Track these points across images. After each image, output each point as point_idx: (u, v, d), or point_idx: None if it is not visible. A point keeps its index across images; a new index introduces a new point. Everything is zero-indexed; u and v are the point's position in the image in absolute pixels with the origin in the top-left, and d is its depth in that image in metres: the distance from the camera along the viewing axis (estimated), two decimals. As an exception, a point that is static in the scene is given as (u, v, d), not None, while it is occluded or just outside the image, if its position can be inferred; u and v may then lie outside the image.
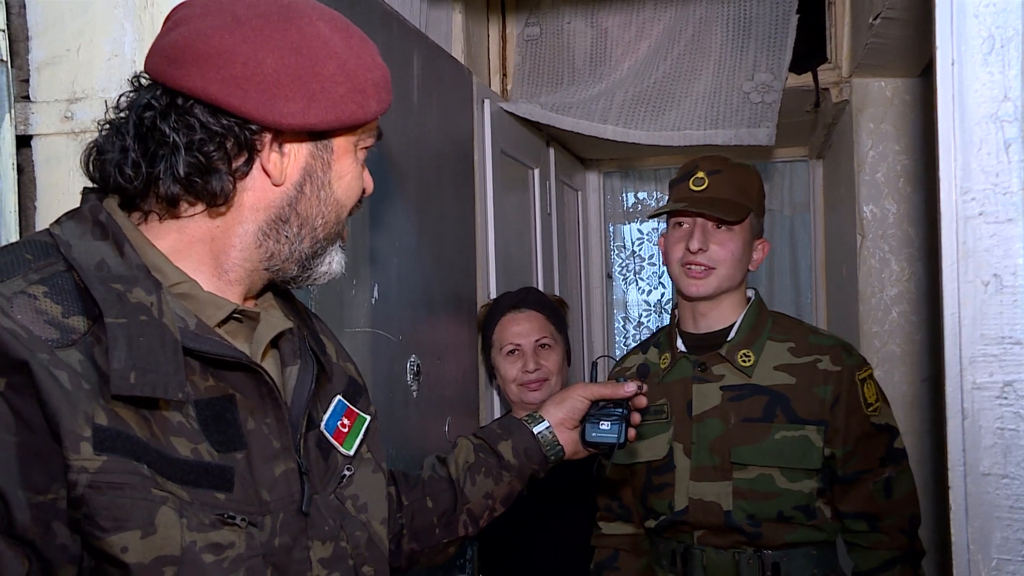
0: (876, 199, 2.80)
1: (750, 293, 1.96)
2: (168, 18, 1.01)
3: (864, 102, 2.80)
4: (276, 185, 1.00)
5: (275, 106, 0.95)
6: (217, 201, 0.97)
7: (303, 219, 1.03)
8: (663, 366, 1.96)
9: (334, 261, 1.08)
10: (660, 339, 2.04)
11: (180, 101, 0.95)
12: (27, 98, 1.51)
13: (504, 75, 3.11)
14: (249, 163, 0.98)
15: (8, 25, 1.46)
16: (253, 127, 0.96)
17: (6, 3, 1.46)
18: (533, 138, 3.15)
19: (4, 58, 1.43)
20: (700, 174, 1.89)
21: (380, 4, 1.96)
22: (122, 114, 1.00)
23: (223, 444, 0.95)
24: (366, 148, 1.08)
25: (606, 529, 2.06)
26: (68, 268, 0.91)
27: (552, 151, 3.38)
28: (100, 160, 0.99)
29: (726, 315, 1.91)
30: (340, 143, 1.04)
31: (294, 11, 0.99)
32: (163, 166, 0.95)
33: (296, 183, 1.01)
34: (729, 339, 1.89)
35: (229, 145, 0.96)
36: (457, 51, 2.70)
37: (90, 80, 1.51)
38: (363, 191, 1.10)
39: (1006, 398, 1.19)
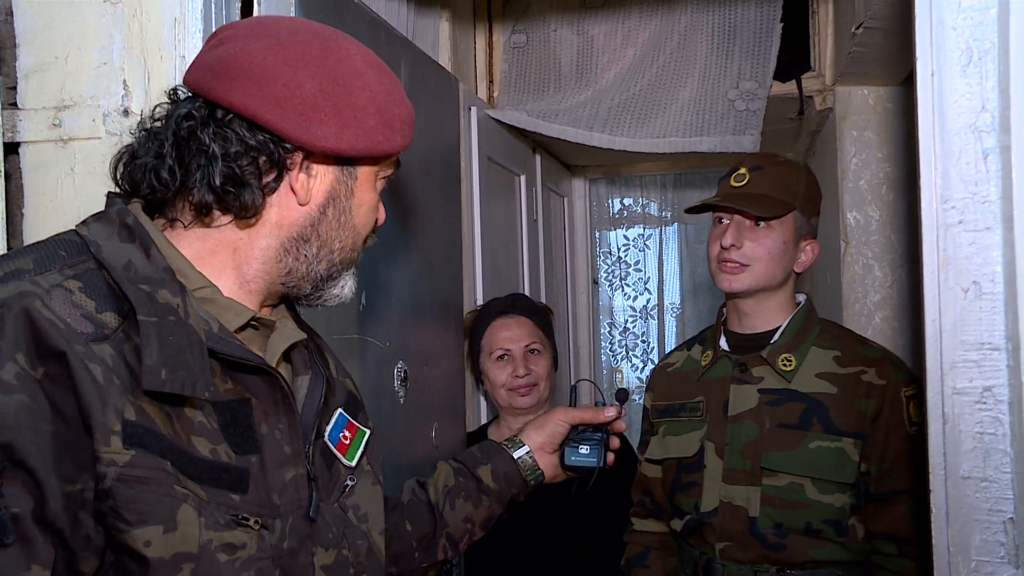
0: (859, 206, 2.83)
1: (801, 297, 1.91)
2: (213, 36, 1.05)
3: (847, 110, 2.83)
4: (301, 204, 1.04)
5: (310, 128, 0.99)
6: (247, 213, 1.01)
7: (323, 241, 1.06)
8: (704, 363, 1.93)
9: (346, 286, 1.12)
10: (706, 336, 2.01)
11: (220, 114, 0.99)
12: (15, 105, 1.51)
13: (491, 82, 3.12)
14: (278, 180, 1.02)
15: (-4, 32, 1.46)
16: (287, 146, 1.00)
17: (-6, 11, 1.46)
18: (520, 145, 3.16)
19: (-8, 65, 1.43)
20: (742, 170, 1.85)
21: (367, 12, 1.97)
22: (157, 123, 1.03)
23: (239, 446, 0.97)
24: (385, 179, 1.12)
25: (638, 526, 2.04)
26: (99, 267, 0.94)
27: (538, 158, 3.40)
28: (132, 165, 1.02)
29: (772, 317, 1.86)
30: (364, 172, 1.08)
31: (333, 42, 1.04)
32: (199, 175, 0.99)
33: (320, 205, 1.05)
34: (772, 341, 1.84)
35: (261, 161, 1.00)
36: (444, 59, 2.71)
37: (78, 88, 1.51)
38: (376, 221, 1.13)
39: (985, 403, 1.21)
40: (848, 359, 1.80)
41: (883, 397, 1.75)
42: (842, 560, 1.75)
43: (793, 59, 2.86)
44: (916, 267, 1.24)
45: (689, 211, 1.98)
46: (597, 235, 4.34)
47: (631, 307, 4.36)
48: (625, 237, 4.37)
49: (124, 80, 1.51)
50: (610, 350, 4.36)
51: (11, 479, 0.82)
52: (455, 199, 2.50)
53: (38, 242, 0.99)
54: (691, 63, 2.82)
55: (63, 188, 1.51)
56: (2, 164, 1.46)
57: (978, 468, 1.23)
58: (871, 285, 2.82)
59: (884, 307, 2.80)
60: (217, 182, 0.98)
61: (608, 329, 4.37)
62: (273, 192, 1.02)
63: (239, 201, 0.99)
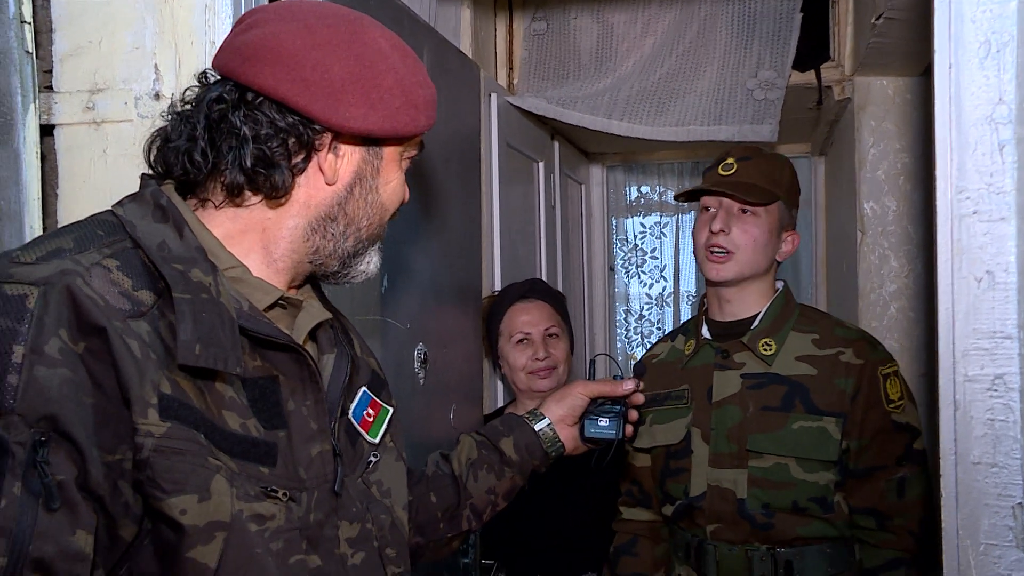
0: (876, 196, 2.84)
1: (779, 284, 1.96)
2: (241, 20, 1.08)
3: (866, 100, 2.83)
4: (329, 184, 1.06)
5: (338, 110, 1.02)
6: (277, 193, 1.03)
7: (350, 219, 1.09)
8: (687, 352, 1.98)
9: (372, 262, 1.15)
10: (688, 326, 2.06)
11: (250, 97, 1.02)
12: (50, 88, 1.55)
13: (511, 69, 3.14)
14: (307, 160, 1.04)
15: (33, 17, 1.49)
16: (316, 127, 1.03)
17: (32, -4, 1.50)
18: (538, 131, 3.18)
19: (29, 50, 1.46)
20: (730, 160, 1.91)
21: (391, 0, 2.00)
22: (188, 106, 1.06)
23: (268, 422, 1.00)
24: (410, 159, 1.15)
25: (626, 514, 2.08)
26: (135, 246, 0.97)
27: (557, 144, 3.42)
28: (165, 148, 1.05)
29: (752, 304, 1.91)
30: (390, 152, 1.10)
31: (359, 25, 1.06)
32: (231, 156, 1.01)
33: (347, 184, 1.07)
34: (752, 327, 1.89)
35: (291, 142, 1.02)
36: (465, 46, 2.73)
37: (111, 71, 1.54)
38: (402, 200, 1.16)
39: (996, 390, 1.24)
40: (826, 341, 1.86)
41: (861, 376, 1.80)
42: (829, 536, 1.80)
43: (812, 49, 2.87)
44: (931, 257, 1.26)
45: (679, 197, 2.04)
46: (614, 222, 4.36)
47: (647, 294, 4.38)
48: (642, 224, 4.38)
49: (155, 64, 1.54)
50: (625, 337, 4.39)
51: (56, 449, 0.85)
52: (474, 185, 2.53)
53: (76, 222, 1.02)
54: (710, 52, 2.83)
55: (95, 169, 1.55)
56: (38, 145, 1.50)
57: (988, 454, 1.25)
58: (887, 275, 2.83)
59: (900, 297, 2.82)
60: (248, 163, 1.01)
61: (624, 316, 4.40)
62: (302, 172, 1.05)
63: (269, 181, 1.02)
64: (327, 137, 1.04)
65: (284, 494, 0.98)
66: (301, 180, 1.05)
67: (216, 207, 1.05)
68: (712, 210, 1.91)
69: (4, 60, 1.43)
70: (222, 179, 1.03)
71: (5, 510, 0.83)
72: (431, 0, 2.47)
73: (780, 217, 1.90)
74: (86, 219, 1.02)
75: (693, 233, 1.96)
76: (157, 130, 1.08)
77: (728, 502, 1.82)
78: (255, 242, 1.06)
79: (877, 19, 2.29)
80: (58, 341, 0.86)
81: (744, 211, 1.88)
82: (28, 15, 1.47)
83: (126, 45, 1.54)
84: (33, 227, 1.49)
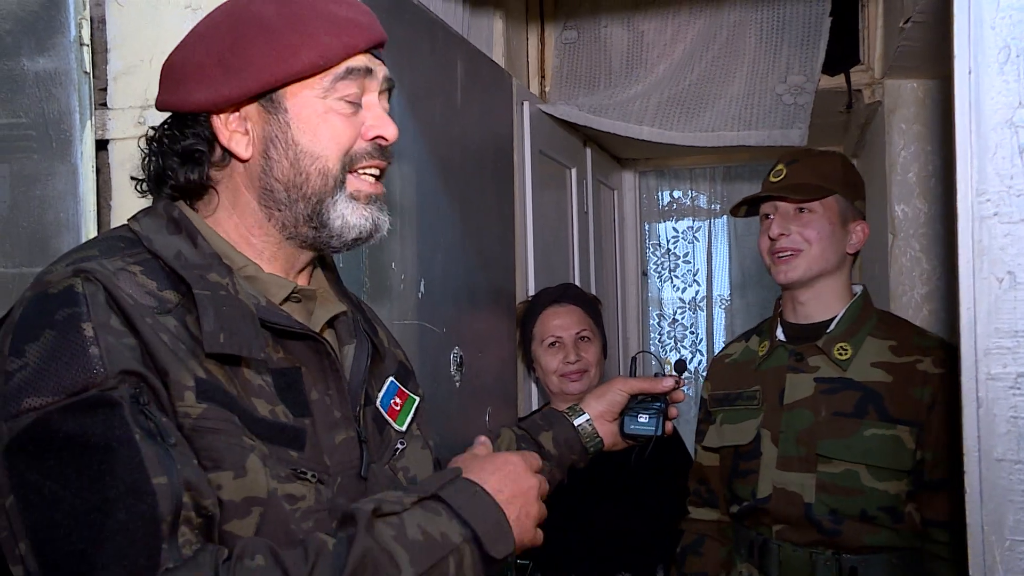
0: (907, 198, 2.84)
1: (857, 288, 1.93)
2: None
3: (896, 103, 2.84)
4: (245, 159, 1.08)
5: (196, 90, 1.06)
6: (199, 190, 1.09)
7: (284, 182, 1.08)
8: (761, 353, 1.97)
9: (347, 214, 1.09)
10: (763, 327, 2.06)
11: (167, 117, 1.12)
12: (104, 105, 1.63)
13: (543, 78, 3.19)
14: (218, 150, 1.09)
15: (91, 39, 1.58)
16: (200, 118, 1.08)
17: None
18: (571, 138, 3.23)
19: (87, 70, 1.55)
20: (779, 166, 1.92)
21: (426, 12, 2.06)
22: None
23: (294, 409, 1.05)
24: (345, 95, 1.08)
25: (694, 514, 2.08)
26: (154, 256, 1.03)
27: (589, 151, 3.46)
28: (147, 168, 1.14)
29: (828, 307, 1.89)
30: (294, 99, 1.06)
31: (234, 3, 1.09)
32: (178, 169, 1.09)
33: (261, 151, 1.08)
34: (828, 331, 1.87)
35: (200, 142, 1.08)
36: (498, 55, 2.79)
37: (161, 88, 1.62)
38: (381, 137, 1.10)
39: (1019, 388, 1.26)
40: (903, 348, 1.83)
41: (939, 386, 1.77)
42: (896, 546, 1.77)
43: (842, 53, 2.88)
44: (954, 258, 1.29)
45: (734, 212, 2.03)
46: (647, 227, 4.39)
47: (680, 299, 4.41)
48: (674, 229, 4.41)
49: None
50: (659, 341, 4.42)
51: (150, 398, 0.92)
52: (508, 192, 2.58)
53: (97, 237, 1.09)
54: (740, 58, 2.86)
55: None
56: (94, 160, 1.58)
57: (1012, 451, 1.27)
58: (919, 277, 2.83)
59: (932, 299, 2.81)
60: (181, 173, 1.08)
61: (657, 320, 4.42)
62: (224, 163, 1.09)
63: (199, 182, 1.08)
64: (215, 120, 1.07)
65: (313, 475, 1.02)
66: (229, 169, 1.09)
67: (213, 214, 1.11)
68: (770, 217, 1.91)
69: (64, 80, 1.51)
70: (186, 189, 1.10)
71: (143, 442, 0.88)
72: (464, 12, 2.53)
73: (841, 210, 1.88)
74: (105, 234, 1.09)
75: (758, 243, 1.96)
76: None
77: (795, 506, 1.81)
78: (246, 239, 1.11)
79: (905, 23, 2.30)
80: (115, 318, 0.93)
81: (800, 210, 1.87)
82: (87, 38, 1.55)
83: (175, 63, 1.61)
84: (90, 237, 1.57)
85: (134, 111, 1.62)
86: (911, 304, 2.83)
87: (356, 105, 1.09)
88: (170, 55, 1.10)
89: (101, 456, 0.88)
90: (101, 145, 1.63)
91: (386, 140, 1.11)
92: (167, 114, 1.12)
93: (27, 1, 1.53)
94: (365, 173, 1.11)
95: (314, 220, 1.09)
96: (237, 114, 1.07)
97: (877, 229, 3.07)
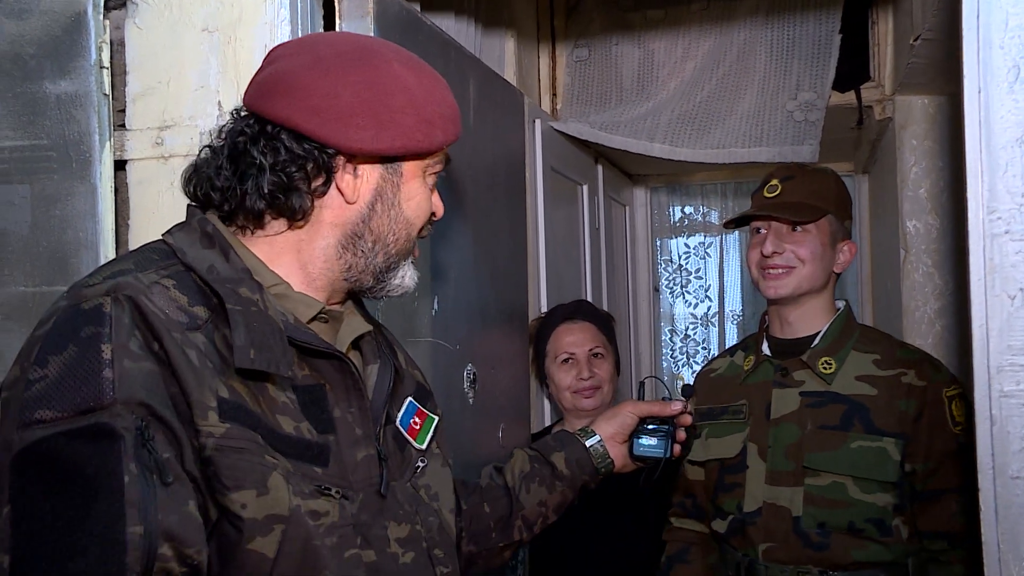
0: (919, 214, 2.85)
1: (840, 304, 1.96)
2: (265, 59, 1.17)
3: (907, 119, 2.85)
4: (350, 203, 1.13)
5: (348, 133, 1.09)
6: (296, 216, 1.11)
7: (376, 235, 1.15)
8: (746, 368, 2.00)
9: (407, 276, 1.20)
10: (748, 343, 2.08)
11: (269, 128, 1.10)
12: (123, 126, 1.65)
13: (554, 95, 3.22)
14: (327, 184, 1.11)
15: (110, 62, 1.60)
16: (329, 151, 1.10)
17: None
18: (582, 155, 3.25)
19: (106, 92, 1.57)
20: (774, 181, 1.94)
21: (439, 33, 2.08)
22: (220, 140, 1.15)
23: (318, 426, 1.07)
24: (435, 174, 1.20)
25: (678, 523, 2.09)
26: (187, 269, 1.05)
27: (600, 168, 3.48)
28: (196, 178, 1.14)
29: (812, 322, 1.92)
30: (409, 168, 1.16)
31: (370, 52, 1.13)
32: (251, 184, 1.09)
33: (368, 202, 1.14)
34: (813, 346, 1.89)
35: (309, 167, 1.10)
36: (510, 74, 2.82)
37: (178, 109, 1.65)
38: (433, 214, 1.22)
39: (1032, 405, 1.26)
40: (888, 362, 1.85)
41: (924, 398, 1.79)
42: (885, 561, 1.78)
43: (852, 70, 2.90)
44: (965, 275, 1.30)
45: (728, 225, 2.07)
46: (658, 243, 4.40)
47: (692, 314, 4.41)
48: (686, 245, 4.42)
49: (219, 101, 1.64)
50: (671, 356, 4.42)
51: (156, 431, 0.93)
52: (520, 208, 2.60)
53: (133, 250, 1.12)
54: (750, 75, 2.88)
55: (163, 201, 1.65)
56: (113, 180, 1.60)
57: (1026, 468, 1.27)
58: (931, 293, 2.83)
59: (944, 315, 2.81)
60: (266, 190, 1.09)
61: (669, 336, 4.43)
62: (324, 195, 1.12)
63: (288, 205, 1.10)
64: (341, 159, 1.11)
65: (337, 491, 1.05)
66: (325, 202, 1.12)
67: (252, 233, 1.13)
68: (763, 231, 1.93)
69: (84, 102, 1.54)
70: (246, 205, 1.10)
71: (130, 486, 0.90)
72: (476, 32, 2.56)
73: (832, 231, 1.91)
74: (141, 247, 1.11)
75: (747, 255, 1.97)
76: (192, 163, 1.17)
77: (783, 520, 1.82)
78: (292, 263, 1.13)
79: (915, 40, 2.31)
80: (137, 340, 0.95)
81: (794, 229, 1.89)
82: (106, 60, 1.58)
83: (192, 84, 1.64)
84: (108, 256, 1.59)
85: (152, 132, 1.65)
86: (924, 319, 2.83)
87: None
88: (296, 71, 1.09)
89: (85, 494, 0.89)
90: (119, 165, 1.65)
91: (437, 217, 1.23)
92: (212, 127, 1.15)
93: (50, 25, 1.56)
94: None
95: (381, 274, 1.17)
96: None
97: (889, 244, 3.08)
